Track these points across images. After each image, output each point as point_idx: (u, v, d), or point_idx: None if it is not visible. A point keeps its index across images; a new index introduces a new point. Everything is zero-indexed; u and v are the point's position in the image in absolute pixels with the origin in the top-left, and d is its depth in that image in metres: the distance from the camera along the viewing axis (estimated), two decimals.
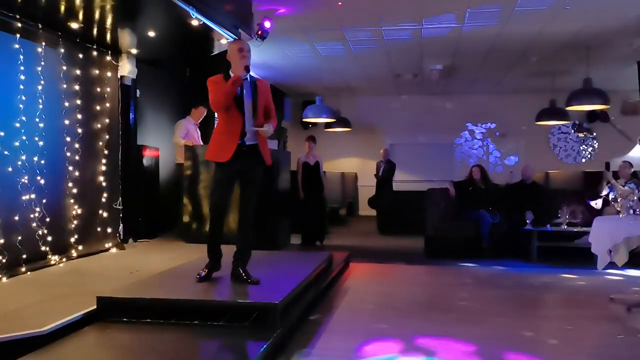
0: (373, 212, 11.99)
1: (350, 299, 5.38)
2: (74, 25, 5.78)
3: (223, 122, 4.55)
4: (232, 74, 4.51)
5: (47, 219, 5.66)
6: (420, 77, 12.32)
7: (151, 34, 6.30)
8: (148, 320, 3.96)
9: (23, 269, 5.21)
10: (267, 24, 7.56)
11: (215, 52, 7.74)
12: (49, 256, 5.66)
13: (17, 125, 5.33)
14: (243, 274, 4.57)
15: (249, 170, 4.58)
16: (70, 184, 6.10)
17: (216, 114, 4.97)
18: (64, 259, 5.83)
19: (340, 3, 7.36)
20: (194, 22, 5.62)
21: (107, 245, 6.65)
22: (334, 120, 12.75)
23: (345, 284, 6.06)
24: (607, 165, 12.62)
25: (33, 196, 5.49)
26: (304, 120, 12.80)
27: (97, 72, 6.59)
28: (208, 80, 4.53)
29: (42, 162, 5.63)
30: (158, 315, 3.97)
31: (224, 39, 6.52)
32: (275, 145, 8.87)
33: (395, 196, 11.35)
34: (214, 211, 4.62)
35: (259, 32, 7.61)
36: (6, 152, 5.16)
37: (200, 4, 5.42)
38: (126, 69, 7.12)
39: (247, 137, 4.52)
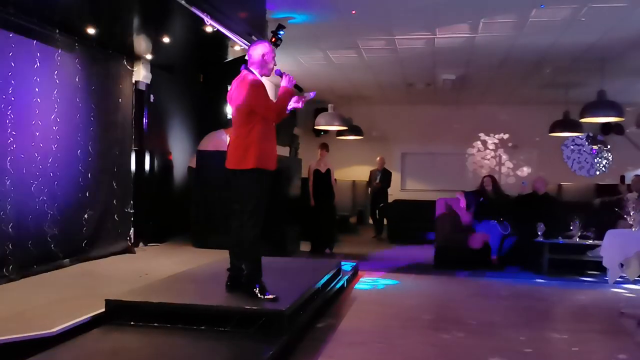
0: (384, 221, 11.94)
1: (358, 308, 5.36)
2: (91, 31, 5.86)
3: (267, 128, 4.32)
4: (257, 74, 4.36)
5: (59, 222, 5.72)
6: (433, 87, 12.30)
7: (166, 39, 6.37)
8: (155, 324, 3.98)
9: (34, 270, 5.26)
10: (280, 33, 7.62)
11: (229, 58, 7.81)
12: (60, 258, 5.71)
13: (32, 128, 5.40)
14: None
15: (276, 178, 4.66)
16: (82, 187, 6.16)
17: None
18: (75, 261, 5.88)
19: (354, 12, 7.39)
20: (208, 29, 5.67)
21: (117, 249, 6.69)
22: (345, 128, 12.74)
23: (353, 293, 6.05)
24: (622, 179, 12.50)
25: (46, 198, 5.55)
26: (315, 127, 12.81)
27: (112, 76, 6.66)
28: (256, 82, 4.26)
29: (56, 164, 5.70)
30: (165, 320, 3.99)
31: (237, 45, 6.57)
32: (287, 152, 8.90)
33: (406, 205, 11.28)
34: (261, 225, 4.31)
35: (273, 40, 7.66)
36: (22, 155, 5.23)
37: (214, 12, 5.47)
38: (141, 74, 7.20)
39: None
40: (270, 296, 4.18)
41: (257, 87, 4.26)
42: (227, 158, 4.40)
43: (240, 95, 4.30)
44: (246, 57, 4.51)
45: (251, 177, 4.24)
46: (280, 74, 4.51)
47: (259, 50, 4.41)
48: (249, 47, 4.60)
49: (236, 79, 4.48)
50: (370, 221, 11.97)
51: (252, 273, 4.28)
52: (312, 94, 4.72)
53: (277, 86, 4.66)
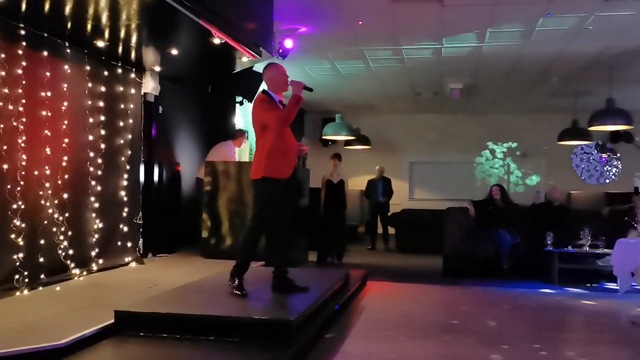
0: (392, 230, 11.89)
1: (367, 318, 5.35)
2: (100, 43, 5.92)
3: (279, 140, 4.66)
4: (272, 94, 4.79)
5: (69, 233, 5.76)
6: (440, 96, 12.31)
7: (174, 52, 6.42)
8: (164, 335, 3.99)
9: (44, 282, 5.29)
10: (288, 43, 7.67)
11: (237, 69, 7.86)
12: (70, 269, 5.74)
13: (42, 140, 5.45)
14: (294, 282, 4.91)
15: (291, 186, 4.90)
16: (92, 199, 6.20)
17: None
18: (85, 273, 5.90)
19: (360, 22, 7.43)
20: (216, 41, 5.72)
21: (126, 260, 6.71)
22: (353, 137, 12.76)
23: (362, 303, 6.03)
24: (637, 190, 12.38)
25: (56, 210, 5.59)
26: (323, 137, 12.84)
27: (121, 88, 6.72)
28: (260, 99, 4.74)
29: (66, 176, 5.74)
30: (174, 330, 4.00)
31: (245, 57, 6.61)
32: None
33: (414, 215, 11.24)
34: (262, 229, 4.78)
35: (280, 51, 7.71)
36: (32, 167, 5.27)
37: (222, 23, 5.51)
38: (149, 86, 7.24)
39: None
40: (239, 292, 4.62)
41: (261, 102, 4.72)
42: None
43: (253, 114, 4.79)
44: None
45: (260, 186, 4.71)
46: (289, 83, 4.85)
47: (267, 74, 4.88)
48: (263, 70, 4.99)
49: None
50: (380, 230, 11.83)
51: (235, 268, 4.72)
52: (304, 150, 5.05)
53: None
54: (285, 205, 4.84)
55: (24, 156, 5.16)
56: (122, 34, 5.67)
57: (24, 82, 5.16)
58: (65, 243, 5.70)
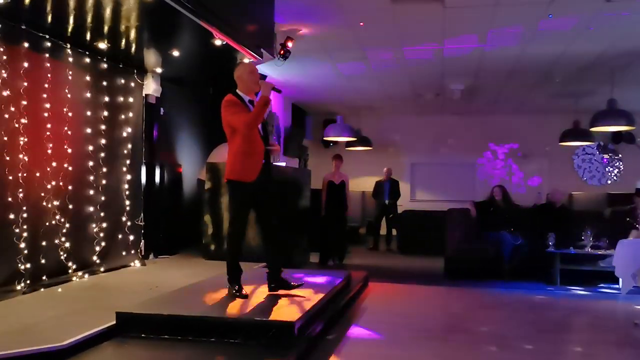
0: (393, 232, 11.88)
1: (368, 319, 5.35)
2: (102, 45, 5.92)
3: (245, 142, 4.62)
4: (240, 94, 4.75)
5: (71, 235, 5.76)
6: (441, 97, 12.30)
7: (176, 53, 6.42)
8: (166, 336, 3.99)
9: (45, 283, 5.29)
10: (290, 44, 7.67)
11: None
12: (72, 271, 5.74)
13: (44, 142, 5.45)
14: (289, 281, 4.90)
15: (267, 187, 4.78)
16: (93, 200, 6.20)
17: None
18: (86, 274, 5.91)
19: (362, 23, 7.43)
20: (217, 42, 5.72)
21: (128, 261, 6.71)
22: (354, 139, 12.76)
23: (364, 304, 6.03)
24: (638, 191, 12.35)
25: (57, 211, 5.59)
26: (324, 138, 12.84)
27: (122, 90, 6.72)
28: (228, 101, 4.67)
29: (67, 178, 5.74)
30: (176, 332, 4.00)
31: (246, 58, 6.61)
32: (296, 164, 8.90)
33: (416, 216, 11.23)
34: (241, 231, 4.74)
35: (281, 52, 7.71)
36: (34, 169, 5.28)
37: (223, 25, 5.52)
38: (151, 87, 7.25)
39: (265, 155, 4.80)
40: (239, 294, 4.61)
41: (228, 105, 4.64)
42: None
43: (222, 116, 4.72)
44: None
45: (230, 189, 4.77)
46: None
47: (236, 72, 4.82)
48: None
49: None
50: (384, 231, 11.80)
51: (229, 274, 4.73)
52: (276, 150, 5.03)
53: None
54: (265, 206, 4.80)
55: (25, 157, 5.16)
56: (124, 35, 5.68)
57: (25, 84, 5.17)
58: (66, 245, 5.70)
